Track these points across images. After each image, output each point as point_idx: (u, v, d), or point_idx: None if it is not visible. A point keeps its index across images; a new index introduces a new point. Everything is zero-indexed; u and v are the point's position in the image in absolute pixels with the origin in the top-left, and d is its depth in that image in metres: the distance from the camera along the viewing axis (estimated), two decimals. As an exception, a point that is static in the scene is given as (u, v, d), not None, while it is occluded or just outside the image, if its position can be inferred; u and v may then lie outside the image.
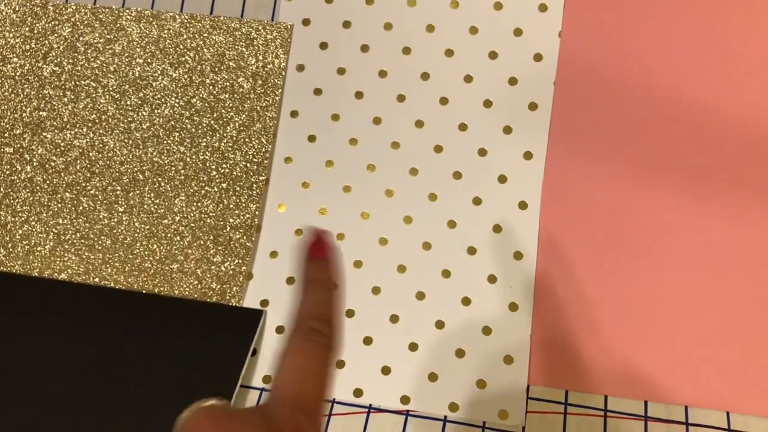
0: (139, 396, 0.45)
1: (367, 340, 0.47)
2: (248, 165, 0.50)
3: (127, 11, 0.53)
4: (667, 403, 0.44)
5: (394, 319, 0.47)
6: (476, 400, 0.45)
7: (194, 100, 0.51)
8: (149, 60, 0.52)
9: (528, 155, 0.48)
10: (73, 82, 0.53)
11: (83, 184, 0.51)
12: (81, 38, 0.53)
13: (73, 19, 0.53)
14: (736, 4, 0.47)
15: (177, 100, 0.51)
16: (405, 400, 0.45)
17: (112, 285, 0.49)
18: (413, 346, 0.46)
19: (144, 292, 0.49)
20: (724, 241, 0.45)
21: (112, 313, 0.48)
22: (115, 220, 0.50)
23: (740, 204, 0.46)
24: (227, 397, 0.44)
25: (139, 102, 0.52)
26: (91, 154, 0.51)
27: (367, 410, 0.45)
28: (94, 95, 0.52)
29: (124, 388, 0.45)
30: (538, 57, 0.49)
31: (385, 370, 0.46)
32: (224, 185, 0.50)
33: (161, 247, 0.50)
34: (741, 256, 0.45)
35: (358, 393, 0.46)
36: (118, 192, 0.51)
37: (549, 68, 0.49)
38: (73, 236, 0.50)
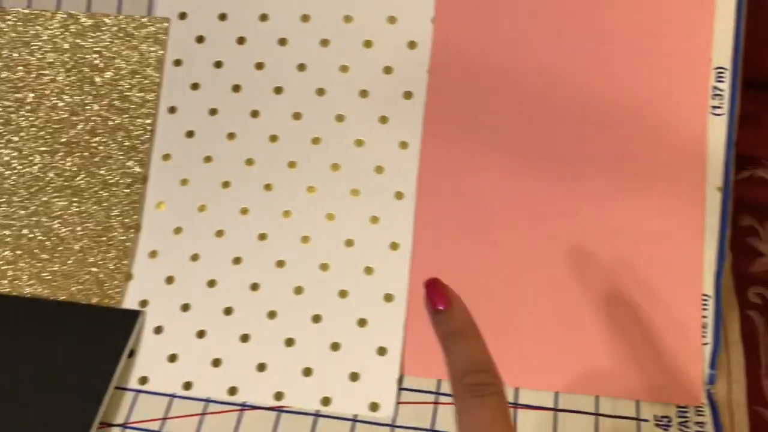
0: (10, 398, 0.44)
1: (244, 338, 0.47)
2: (127, 163, 0.50)
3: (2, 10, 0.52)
4: (538, 390, 0.44)
5: (271, 315, 0.47)
6: (349, 393, 0.45)
7: (71, 98, 0.50)
8: (25, 59, 0.51)
9: (404, 145, 0.48)
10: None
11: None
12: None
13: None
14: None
15: (55, 100, 0.51)
16: (279, 396, 0.45)
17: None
18: (290, 342, 0.46)
19: (22, 295, 0.48)
20: (597, 225, 0.45)
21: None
22: (-10, 224, 0.50)
23: (612, 186, 0.45)
24: (98, 399, 0.44)
25: (17, 104, 0.51)
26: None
27: (240, 408, 0.45)
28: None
29: (-8, 395, 0.45)
30: (412, 44, 0.48)
31: (261, 367, 0.46)
32: (103, 185, 0.49)
33: (41, 250, 0.49)
34: (612, 238, 0.45)
35: (232, 391, 0.45)
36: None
37: (423, 56, 0.48)
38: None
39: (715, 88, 0.45)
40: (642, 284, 0.44)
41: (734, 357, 0.45)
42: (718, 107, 0.45)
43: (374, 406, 0.44)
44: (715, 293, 0.44)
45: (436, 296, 0.30)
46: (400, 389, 0.44)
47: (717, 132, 0.45)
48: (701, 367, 0.43)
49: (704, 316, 0.44)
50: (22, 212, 0.50)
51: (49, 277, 0.49)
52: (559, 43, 0.47)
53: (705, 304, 0.44)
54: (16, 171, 0.50)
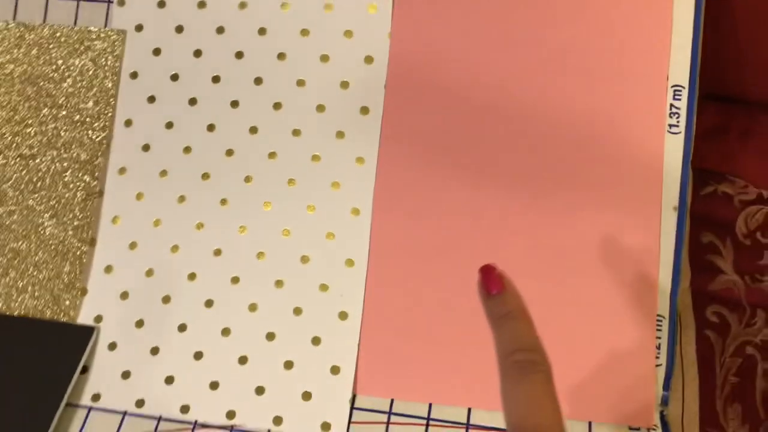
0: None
1: (198, 355, 0.46)
2: (83, 177, 0.49)
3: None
4: (489, 410, 0.43)
5: (225, 332, 0.46)
6: (301, 413, 0.44)
7: (25, 112, 0.50)
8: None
9: (360, 160, 0.47)
10: None
11: None
12: None
13: None
14: (563, 2, 0.46)
15: (10, 113, 0.50)
16: (231, 415, 0.45)
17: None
18: (243, 360, 0.46)
19: (-28, 312, 0.48)
20: (552, 243, 0.45)
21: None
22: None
23: (568, 205, 0.45)
24: (50, 415, 0.44)
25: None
26: None
27: (192, 426, 0.44)
28: None
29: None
30: (369, 59, 0.48)
31: (214, 385, 0.45)
32: (58, 199, 0.49)
33: (-7, 265, 0.49)
34: (567, 256, 0.44)
35: (184, 409, 0.45)
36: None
37: (380, 71, 0.48)
38: None
39: (672, 106, 0.44)
40: (596, 304, 0.44)
41: (689, 377, 0.45)
42: (675, 125, 0.44)
43: (326, 426, 0.44)
44: (670, 314, 0.43)
45: (491, 281, 0.30)
46: (353, 409, 0.44)
47: (673, 150, 0.44)
48: (654, 388, 0.43)
49: (658, 337, 0.43)
50: (-24, 227, 0.49)
51: (4, 290, 0.48)
52: (517, 60, 0.46)
53: (659, 325, 0.43)
54: (-31, 185, 0.50)
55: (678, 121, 0.44)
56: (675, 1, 0.44)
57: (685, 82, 0.44)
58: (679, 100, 0.44)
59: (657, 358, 0.43)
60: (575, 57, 0.45)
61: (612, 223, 0.44)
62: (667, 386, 0.43)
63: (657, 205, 0.44)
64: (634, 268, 0.44)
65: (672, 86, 0.44)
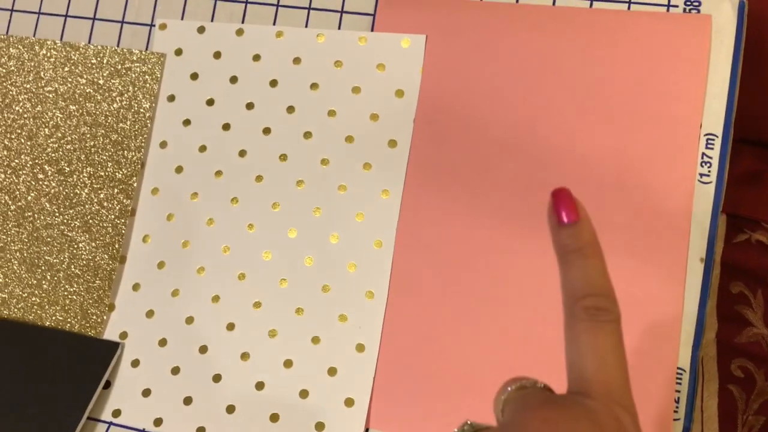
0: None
1: (216, 378, 0.47)
2: (116, 196, 0.50)
3: (11, 37, 0.53)
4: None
5: (244, 356, 0.47)
6: (313, 443, 0.45)
7: (66, 129, 0.52)
8: (24, 88, 0.53)
9: (385, 193, 0.48)
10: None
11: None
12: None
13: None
14: (598, 43, 0.46)
15: (52, 130, 0.52)
16: (244, 439, 0.45)
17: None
18: (260, 385, 0.47)
19: (2, 318, 0.50)
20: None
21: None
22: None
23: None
24: (71, 428, 0.45)
25: (12, 133, 0.52)
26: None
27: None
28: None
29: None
30: (399, 93, 0.48)
31: (230, 409, 0.46)
32: (93, 216, 0.50)
33: (29, 275, 0.50)
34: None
35: (200, 431, 0.46)
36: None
37: (410, 105, 0.48)
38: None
39: (704, 155, 0.43)
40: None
41: (708, 433, 0.44)
42: (706, 174, 0.43)
43: (336, 458, 0.44)
44: (691, 367, 0.42)
45: (565, 207, 0.27)
46: (364, 442, 0.44)
47: (703, 200, 0.43)
48: (670, 443, 0.42)
49: (677, 390, 0.42)
50: (14, 238, 0.51)
51: (37, 301, 0.50)
52: (546, 100, 0.46)
53: (679, 378, 0.42)
54: (11, 197, 0.52)
55: (709, 170, 0.43)
56: (712, 50, 0.44)
57: (719, 131, 0.43)
58: (712, 149, 0.43)
59: (675, 411, 0.42)
60: (606, 100, 0.45)
61: (636, 271, 0.43)
62: (684, 441, 0.42)
63: (683, 256, 0.43)
64: (657, 318, 0.43)
65: (705, 134, 0.43)
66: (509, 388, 0.26)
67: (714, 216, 0.43)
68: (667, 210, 0.43)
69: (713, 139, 0.43)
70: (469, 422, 0.26)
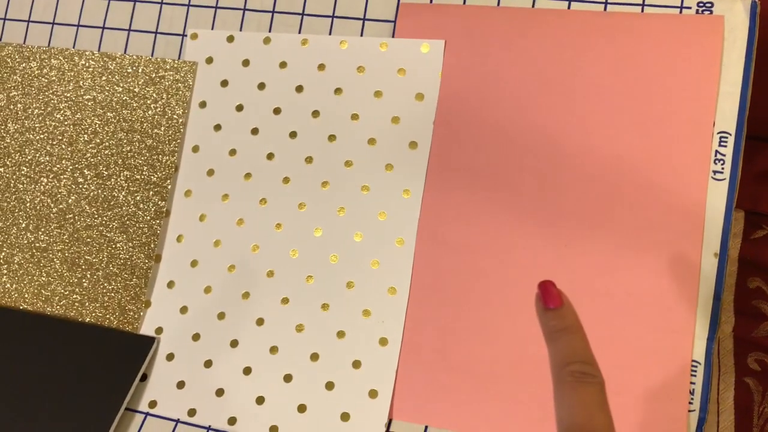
0: (24, 413, 0.48)
1: (247, 370, 0.49)
2: (151, 198, 0.53)
3: (52, 48, 0.57)
4: (520, 444, 0.44)
5: (273, 350, 0.49)
6: (338, 432, 0.47)
7: (104, 135, 0.54)
8: (65, 97, 0.56)
9: (407, 192, 0.49)
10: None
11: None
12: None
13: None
14: (613, 45, 0.47)
15: (91, 136, 0.55)
16: (273, 429, 0.47)
17: (16, 307, 0.53)
18: (288, 378, 0.49)
19: (46, 314, 0.53)
20: (590, 283, 0.46)
21: (7, 334, 0.52)
22: (25, 242, 0.54)
23: (608, 246, 0.46)
24: (110, 418, 0.48)
25: (53, 140, 0.55)
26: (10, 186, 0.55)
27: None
28: (2, 128, 0.56)
29: (13, 408, 0.49)
30: (419, 96, 0.50)
31: (260, 400, 0.48)
32: (130, 217, 0.53)
33: (70, 274, 0.53)
34: (604, 296, 0.45)
35: (231, 421, 0.48)
36: (30, 220, 0.54)
37: (430, 108, 0.50)
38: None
39: (717, 152, 0.44)
40: (630, 346, 0.44)
41: (724, 424, 0.44)
42: (720, 172, 0.44)
43: (361, 447, 0.46)
44: (706, 360, 0.43)
45: (549, 296, 0.32)
46: (388, 432, 0.46)
47: (717, 197, 0.44)
48: (685, 434, 0.43)
49: (692, 383, 0.43)
50: (56, 239, 0.54)
51: (78, 298, 0.53)
52: (562, 102, 0.47)
53: (694, 371, 0.43)
54: (53, 200, 0.55)
55: (723, 168, 0.44)
56: (725, 50, 0.45)
57: (732, 129, 0.44)
58: (725, 146, 0.44)
59: (690, 403, 0.43)
60: (622, 100, 0.46)
61: (651, 266, 0.45)
62: (699, 432, 0.43)
63: (697, 251, 0.44)
64: (671, 312, 0.44)
65: (718, 132, 0.44)
66: None
67: (728, 212, 0.44)
68: (681, 206, 0.45)
69: (726, 137, 0.44)
70: None
